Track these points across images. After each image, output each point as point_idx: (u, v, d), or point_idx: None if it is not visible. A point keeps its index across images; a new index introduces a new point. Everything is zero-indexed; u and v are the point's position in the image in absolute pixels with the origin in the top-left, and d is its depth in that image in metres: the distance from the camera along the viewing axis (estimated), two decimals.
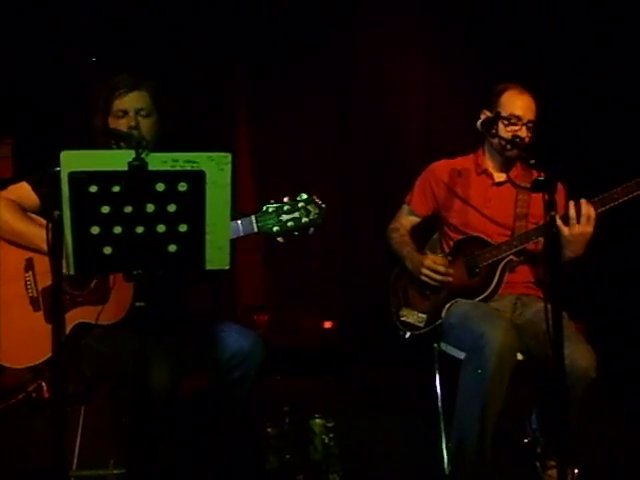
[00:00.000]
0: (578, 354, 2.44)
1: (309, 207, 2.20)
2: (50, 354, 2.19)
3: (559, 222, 2.52)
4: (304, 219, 2.20)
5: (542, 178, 2.08)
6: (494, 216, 2.89)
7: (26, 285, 2.41)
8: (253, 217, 2.22)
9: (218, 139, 4.45)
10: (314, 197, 2.22)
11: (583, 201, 2.57)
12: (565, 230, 2.56)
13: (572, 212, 2.56)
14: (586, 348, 2.51)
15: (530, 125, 2.80)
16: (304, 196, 2.22)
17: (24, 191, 2.44)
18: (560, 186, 2.83)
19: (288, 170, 4.66)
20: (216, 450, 2.51)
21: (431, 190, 3.03)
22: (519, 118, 2.78)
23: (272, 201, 2.22)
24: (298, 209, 2.20)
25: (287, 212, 2.20)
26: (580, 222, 2.56)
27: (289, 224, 2.20)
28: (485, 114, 2.87)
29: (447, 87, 4.57)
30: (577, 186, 2.73)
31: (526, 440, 2.90)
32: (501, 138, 2.78)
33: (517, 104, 2.80)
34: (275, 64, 4.56)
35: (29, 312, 2.39)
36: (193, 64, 4.38)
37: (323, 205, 2.22)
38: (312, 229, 2.22)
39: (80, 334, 2.37)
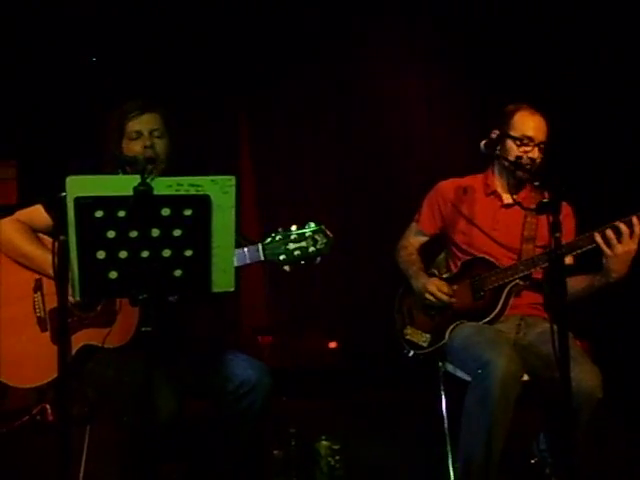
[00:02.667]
0: (584, 375, 2.43)
1: (317, 236, 2.19)
2: (55, 375, 2.20)
3: (600, 242, 2.52)
4: (311, 249, 2.19)
5: (546, 200, 2.09)
6: (501, 239, 2.88)
7: (34, 305, 2.42)
8: (260, 245, 2.21)
9: (220, 158, 4.47)
10: (322, 226, 2.20)
11: (622, 222, 2.52)
12: (608, 251, 2.53)
13: (610, 233, 2.53)
14: (592, 369, 2.50)
15: (542, 146, 2.80)
16: (312, 225, 2.20)
17: (36, 212, 2.45)
18: (568, 209, 2.84)
19: (289, 187, 4.69)
20: (222, 473, 2.49)
21: (438, 209, 3.03)
22: (531, 139, 2.78)
23: (280, 229, 2.21)
24: (305, 238, 2.19)
25: (294, 241, 2.19)
26: (622, 241, 2.52)
27: (296, 253, 2.19)
28: (495, 134, 2.87)
29: (447, 102, 4.58)
30: (585, 209, 2.73)
31: (533, 461, 2.87)
32: (505, 159, 2.78)
33: (529, 125, 2.80)
34: (275, 82, 4.60)
35: (36, 332, 2.40)
36: (193, 84, 4.40)
37: (331, 235, 2.20)
38: (319, 258, 2.21)
39: (85, 356, 2.37)
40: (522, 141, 2.78)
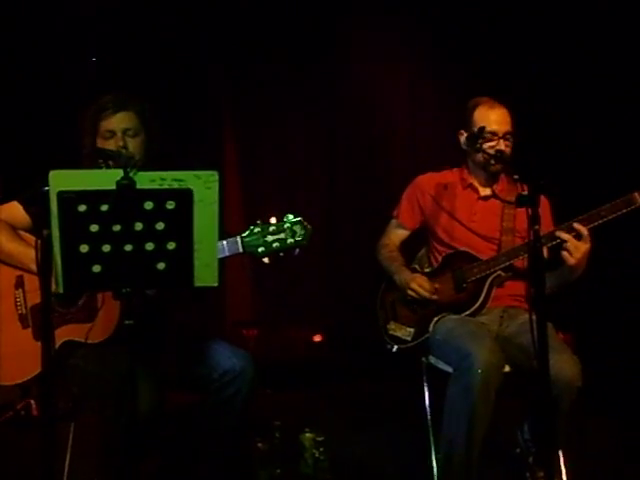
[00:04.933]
0: (562, 364, 2.46)
1: (295, 228, 2.20)
2: (38, 371, 2.20)
3: (565, 255, 2.58)
4: (289, 240, 2.20)
5: (525, 193, 2.11)
6: (480, 230, 2.91)
7: (16, 302, 2.42)
8: (238, 237, 2.22)
9: (204, 155, 4.46)
10: (301, 218, 2.22)
11: (574, 224, 2.60)
12: (571, 260, 2.58)
13: (565, 235, 2.59)
14: (570, 357, 2.54)
15: (508, 137, 2.82)
16: (290, 217, 2.22)
17: (15, 210, 2.45)
18: (545, 201, 2.86)
19: (275, 185, 4.69)
20: (206, 466, 2.50)
21: (417, 203, 3.04)
22: (494, 133, 2.79)
23: (258, 222, 2.22)
24: (284, 230, 2.20)
25: (272, 233, 2.20)
26: (582, 240, 2.58)
27: (274, 245, 2.20)
28: (462, 134, 2.90)
29: (432, 103, 4.61)
30: (562, 200, 2.76)
31: (518, 450, 2.90)
32: (485, 153, 2.80)
33: (491, 119, 2.81)
34: (261, 80, 4.59)
35: (18, 329, 2.40)
36: (177, 79, 4.39)
37: (309, 226, 2.21)
38: (297, 250, 2.22)
39: (67, 352, 2.38)
40: (486, 136, 2.78)
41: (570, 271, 2.67)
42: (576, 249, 2.58)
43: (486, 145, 2.79)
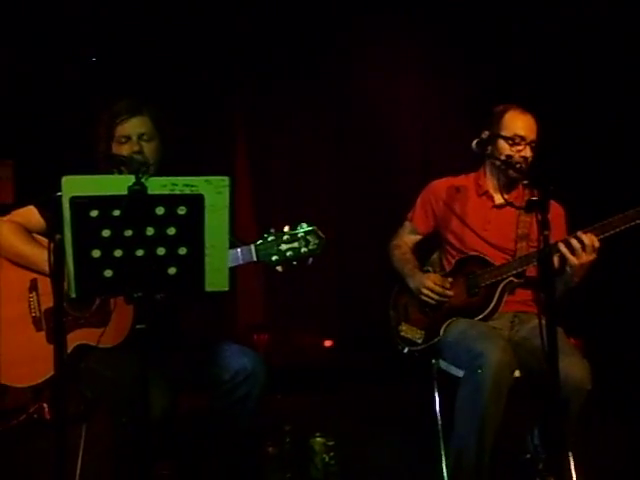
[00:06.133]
0: (572, 366, 2.46)
1: (309, 237, 2.21)
2: (51, 374, 2.22)
3: (567, 253, 2.58)
4: (303, 249, 2.21)
5: (535, 198, 2.11)
6: (492, 239, 2.91)
7: (30, 305, 2.44)
8: (252, 246, 2.24)
9: (216, 159, 4.48)
10: (315, 227, 2.23)
11: (585, 234, 2.58)
12: (573, 260, 2.58)
13: (576, 243, 2.57)
14: (580, 360, 2.54)
15: (533, 145, 2.83)
16: (304, 226, 2.23)
17: (30, 214, 2.47)
18: (560, 210, 2.87)
19: (285, 188, 4.70)
20: (217, 470, 2.51)
21: (431, 207, 3.05)
22: (523, 138, 2.80)
23: (272, 230, 2.23)
24: (297, 239, 2.21)
25: (286, 242, 2.21)
26: (586, 251, 2.57)
27: (288, 254, 2.21)
28: (486, 134, 2.90)
29: (443, 106, 4.61)
30: (576, 209, 2.76)
31: (527, 456, 2.89)
32: (496, 158, 2.81)
33: (520, 124, 2.82)
34: (272, 84, 4.61)
35: (32, 332, 2.42)
36: (190, 84, 4.42)
37: (323, 236, 2.22)
38: (311, 259, 2.23)
39: (80, 355, 2.39)
40: (514, 140, 2.80)
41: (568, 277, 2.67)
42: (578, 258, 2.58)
43: (509, 150, 2.80)
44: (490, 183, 2.98)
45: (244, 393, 2.40)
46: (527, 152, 2.81)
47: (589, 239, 2.57)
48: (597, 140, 4.21)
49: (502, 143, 2.82)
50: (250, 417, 2.45)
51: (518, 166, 2.77)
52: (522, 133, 2.81)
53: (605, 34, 4.14)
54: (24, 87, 4.21)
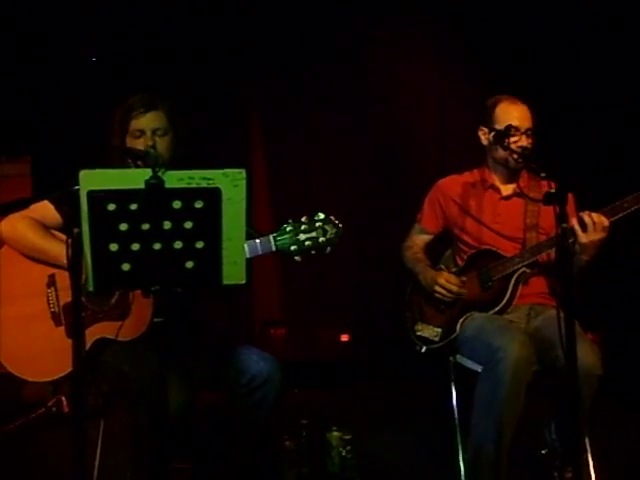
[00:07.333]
0: (583, 352, 2.42)
1: (326, 227, 2.22)
2: (70, 369, 2.23)
3: (577, 228, 2.57)
4: (321, 239, 2.22)
5: (553, 190, 2.10)
6: (503, 230, 2.90)
7: (48, 301, 2.45)
8: (271, 237, 2.25)
9: (232, 154, 4.48)
10: (331, 217, 2.24)
11: (595, 214, 2.59)
12: (583, 237, 2.57)
13: (587, 219, 2.58)
14: (590, 346, 2.53)
15: (529, 133, 2.81)
16: (321, 216, 2.24)
17: (47, 209, 2.47)
18: (570, 196, 2.85)
19: (302, 183, 4.69)
20: (234, 465, 2.52)
21: (440, 207, 3.05)
22: (517, 128, 2.78)
23: (290, 220, 2.24)
24: (315, 229, 2.22)
25: (305, 232, 2.22)
26: (595, 229, 2.57)
27: (307, 243, 2.22)
28: (482, 130, 2.89)
29: (461, 101, 4.57)
30: (587, 195, 2.75)
31: (544, 451, 2.88)
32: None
33: (513, 115, 2.81)
34: (288, 78, 4.60)
35: (51, 327, 2.43)
36: (205, 80, 4.42)
37: (340, 225, 2.24)
38: (329, 248, 2.24)
39: (100, 349, 2.41)
40: (509, 132, 2.77)
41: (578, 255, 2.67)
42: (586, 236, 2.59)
43: (510, 141, 2.78)
44: (494, 176, 2.97)
45: (258, 398, 2.41)
46: (523, 141, 2.79)
47: (598, 217, 2.57)
48: (605, 127, 4.18)
49: (498, 136, 2.80)
50: (263, 422, 2.46)
51: (516, 156, 2.76)
52: (515, 123, 2.78)
53: (623, 22, 4.11)
54: (40, 86, 4.23)
